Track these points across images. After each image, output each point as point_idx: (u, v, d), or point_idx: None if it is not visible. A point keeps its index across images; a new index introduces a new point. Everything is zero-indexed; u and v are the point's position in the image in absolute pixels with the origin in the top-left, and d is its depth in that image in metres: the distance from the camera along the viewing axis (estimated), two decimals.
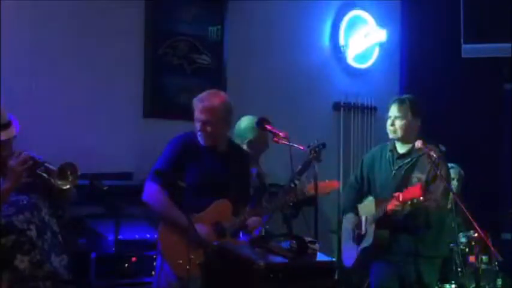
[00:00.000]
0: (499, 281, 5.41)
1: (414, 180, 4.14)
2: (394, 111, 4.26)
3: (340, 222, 6.51)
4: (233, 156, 3.96)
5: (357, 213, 4.37)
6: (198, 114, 3.84)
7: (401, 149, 4.28)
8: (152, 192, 3.71)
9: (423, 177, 4.12)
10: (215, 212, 3.80)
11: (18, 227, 3.36)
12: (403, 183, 4.16)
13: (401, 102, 4.26)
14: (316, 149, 4.50)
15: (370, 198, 4.28)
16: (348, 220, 4.44)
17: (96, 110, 5.27)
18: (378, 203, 4.18)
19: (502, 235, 6.21)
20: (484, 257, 5.34)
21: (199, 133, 3.82)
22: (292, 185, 4.44)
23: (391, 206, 4.02)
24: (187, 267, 3.63)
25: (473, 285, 5.17)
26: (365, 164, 4.46)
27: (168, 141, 3.90)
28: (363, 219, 4.29)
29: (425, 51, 6.87)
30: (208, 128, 3.81)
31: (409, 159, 4.21)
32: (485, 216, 4.84)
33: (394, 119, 4.24)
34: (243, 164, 4.05)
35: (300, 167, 4.66)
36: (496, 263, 5.35)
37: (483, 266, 5.27)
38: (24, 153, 3.34)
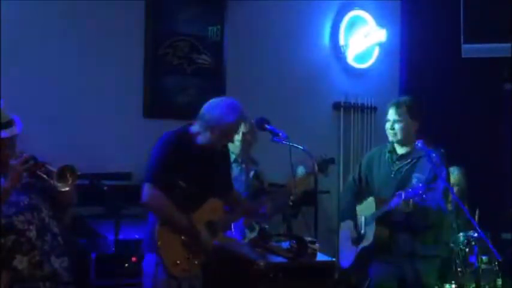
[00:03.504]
0: (499, 281, 5.41)
1: (414, 180, 4.17)
2: (392, 114, 4.30)
3: (340, 224, 6.58)
4: (218, 154, 3.95)
5: (354, 219, 4.38)
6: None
7: (400, 150, 4.30)
8: (152, 194, 3.66)
9: (423, 177, 4.13)
10: (208, 211, 3.80)
11: (18, 227, 3.36)
12: (403, 184, 4.18)
13: (398, 106, 4.30)
14: (323, 165, 4.56)
15: (371, 199, 4.29)
16: (345, 227, 4.46)
17: (96, 109, 5.27)
18: (379, 202, 4.20)
19: (502, 235, 6.20)
20: (484, 257, 5.34)
21: (219, 141, 3.82)
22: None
23: (396, 204, 4.03)
24: (187, 267, 3.66)
25: (473, 285, 5.17)
26: (363, 166, 4.49)
27: (160, 139, 3.79)
28: (362, 219, 4.30)
29: (425, 51, 6.86)
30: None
31: (409, 160, 4.25)
32: (485, 216, 4.85)
33: (393, 123, 4.29)
34: (226, 160, 4.07)
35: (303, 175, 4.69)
36: (496, 263, 5.36)
37: (483, 266, 5.27)
38: (26, 154, 3.35)
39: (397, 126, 4.27)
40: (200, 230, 3.71)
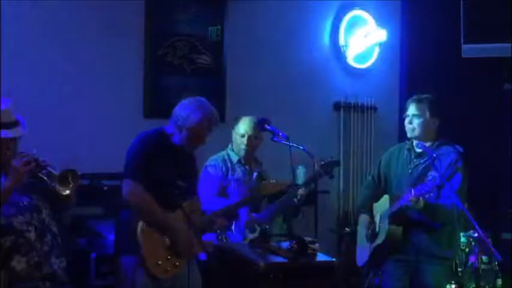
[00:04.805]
0: (499, 281, 5.41)
1: (429, 179, 4.14)
2: (412, 109, 4.26)
3: (340, 222, 6.58)
4: (191, 156, 3.99)
5: (371, 214, 4.36)
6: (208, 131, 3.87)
7: (418, 148, 4.27)
8: (134, 190, 3.64)
9: (438, 176, 4.10)
10: (187, 211, 3.78)
11: (18, 228, 3.35)
12: (418, 182, 4.15)
13: (419, 101, 4.26)
14: (328, 166, 4.57)
15: (386, 196, 4.27)
16: (363, 222, 4.44)
17: (96, 110, 5.28)
18: (393, 199, 4.18)
19: (502, 235, 6.20)
20: (484, 257, 5.34)
21: (189, 142, 3.82)
22: (297, 196, 4.52)
23: (405, 200, 4.01)
24: (168, 268, 3.65)
25: (473, 285, 5.17)
26: (382, 163, 4.46)
27: (136, 137, 3.82)
28: (377, 217, 4.29)
29: (425, 51, 6.86)
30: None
31: (426, 159, 4.20)
32: (485, 216, 4.84)
33: (412, 118, 4.24)
34: (195, 162, 4.10)
35: (306, 178, 4.70)
36: (496, 263, 5.36)
37: (483, 266, 5.27)
38: (28, 155, 3.35)
39: (415, 121, 4.22)
40: (182, 228, 3.69)
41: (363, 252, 4.41)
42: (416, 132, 4.24)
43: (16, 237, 3.34)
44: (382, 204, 4.29)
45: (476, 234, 5.20)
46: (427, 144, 4.22)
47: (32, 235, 3.37)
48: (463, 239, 5.34)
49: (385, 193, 4.34)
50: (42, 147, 3.56)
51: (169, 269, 3.65)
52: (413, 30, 7.02)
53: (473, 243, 5.32)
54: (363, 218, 4.44)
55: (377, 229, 4.28)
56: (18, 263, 3.32)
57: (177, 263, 3.69)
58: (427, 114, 4.23)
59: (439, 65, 6.77)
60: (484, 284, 5.30)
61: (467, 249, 5.31)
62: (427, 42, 6.84)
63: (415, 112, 4.23)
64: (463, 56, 6.63)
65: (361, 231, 4.45)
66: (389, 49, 6.95)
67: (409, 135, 4.29)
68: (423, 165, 4.22)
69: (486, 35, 6.55)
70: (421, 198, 3.94)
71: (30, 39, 5.01)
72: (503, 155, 6.73)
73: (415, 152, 4.29)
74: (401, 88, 7.01)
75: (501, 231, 6.19)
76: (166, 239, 3.67)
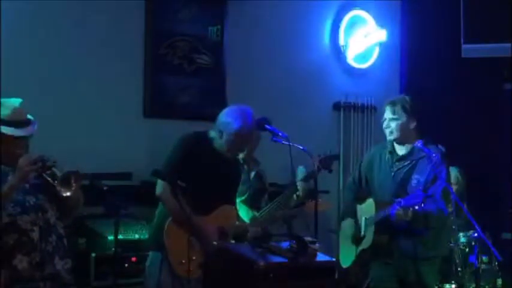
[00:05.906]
0: (499, 281, 5.41)
1: (414, 182, 4.13)
2: (387, 113, 4.27)
3: (340, 222, 6.58)
4: (234, 162, 4.09)
5: (354, 218, 4.36)
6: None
7: (400, 150, 4.27)
8: (164, 190, 3.73)
9: (422, 179, 4.10)
10: (221, 216, 3.84)
11: (22, 227, 3.35)
12: (402, 185, 4.15)
13: (393, 104, 4.26)
14: (327, 160, 4.58)
15: (370, 201, 4.26)
16: (346, 225, 4.44)
17: (96, 109, 5.27)
18: (378, 205, 4.17)
19: (502, 235, 6.21)
20: (484, 257, 5.34)
21: (229, 147, 3.90)
22: (297, 192, 4.52)
23: (395, 211, 4.00)
24: (191, 269, 3.67)
25: (473, 285, 5.17)
26: (363, 165, 4.45)
27: (180, 138, 3.91)
28: (362, 220, 4.28)
29: (425, 51, 6.87)
30: None
31: (408, 161, 4.20)
32: (485, 216, 4.85)
33: (389, 121, 4.25)
34: (238, 169, 4.21)
35: (305, 174, 4.70)
36: (496, 263, 5.36)
37: (483, 266, 5.27)
38: (35, 154, 3.35)
39: (392, 124, 4.22)
40: (207, 232, 3.76)
41: (347, 254, 4.40)
42: (395, 135, 4.24)
43: (19, 236, 3.34)
44: (368, 207, 4.27)
45: (476, 234, 5.19)
46: (408, 146, 4.21)
47: (35, 235, 3.37)
48: (463, 239, 5.34)
49: (368, 195, 4.33)
50: (42, 147, 3.56)
51: (192, 269, 3.68)
52: (413, 30, 7.03)
53: (473, 243, 5.32)
54: (347, 223, 4.45)
55: (362, 233, 4.27)
56: (20, 262, 3.32)
57: (199, 264, 3.74)
58: (404, 116, 4.22)
59: (439, 65, 6.78)
60: (484, 284, 5.30)
61: (467, 249, 5.31)
62: (427, 42, 6.84)
63: (391, 116, 4.24)
64: (463, 56, 6.63)
65: (344, 234, 4.44)
66: (389, 49, 6.95)
67: (388, 138, 4.30)
68: (406, 169, 4.21)
69: (486, 35, 6.56)
70: (410, 209, 3.94)
71: (30, 39, 5.00)
72: (503, 155, 6.73)
73: (396, 155, 4.29)
74: (401, 88, 7.01)
75: (501, 231, 6.19)
76: (194, 240, 3.71)
